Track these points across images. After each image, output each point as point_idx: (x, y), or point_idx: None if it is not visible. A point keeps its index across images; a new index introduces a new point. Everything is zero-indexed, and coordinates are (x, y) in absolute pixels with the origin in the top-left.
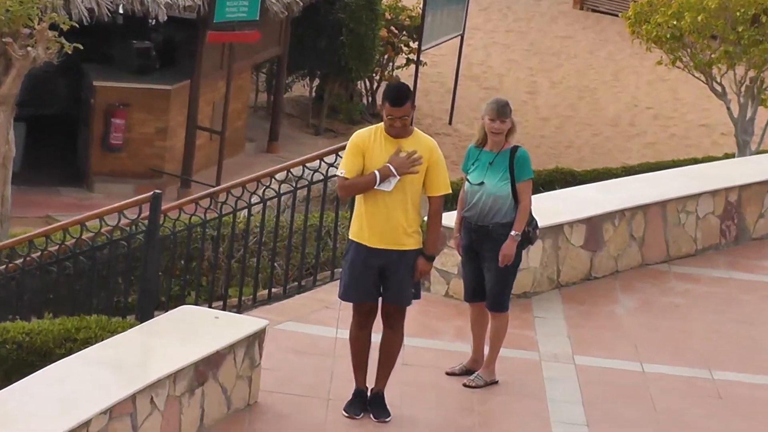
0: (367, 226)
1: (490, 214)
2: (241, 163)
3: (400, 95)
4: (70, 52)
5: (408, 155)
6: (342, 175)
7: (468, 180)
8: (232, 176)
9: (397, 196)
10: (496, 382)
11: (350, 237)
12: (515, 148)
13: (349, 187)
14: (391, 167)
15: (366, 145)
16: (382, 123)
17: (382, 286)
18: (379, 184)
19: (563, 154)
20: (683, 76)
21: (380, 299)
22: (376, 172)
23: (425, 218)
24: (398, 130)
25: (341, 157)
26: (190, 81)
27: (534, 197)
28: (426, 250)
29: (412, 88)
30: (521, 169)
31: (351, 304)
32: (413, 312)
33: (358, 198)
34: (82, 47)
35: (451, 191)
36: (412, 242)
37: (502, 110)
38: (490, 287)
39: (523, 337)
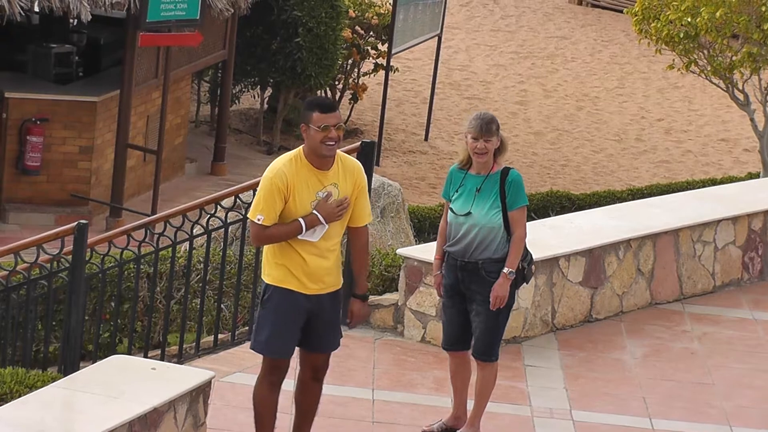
0: (297, 269)
1: (479, 249)
2: (180, 187)
3: (330, 101)
4: None
5: (338, 202)
6: (260, 222)
7: (452, 209)
8: (170, 203)
9: (329, 230)
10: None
11: (271, 283)
12: (506, 171)
13: (269, 238)
14: (320, 217)
15: (288, 182)
16: (299, 149)
17: (304, 336)
18: (310, 233)
19: (559, 174)
20: (699, 82)
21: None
22: (302, 222)
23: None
24: (334, 146)
25: None
26: (119, 92)
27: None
28: (360, 290)
29: (381, 97)
30: (515, 195)
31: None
32: (385, 362)
33: None
34: None
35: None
36: (340, 281)
37: (487, 127)
38: (478, 333)
39: (513, 389)
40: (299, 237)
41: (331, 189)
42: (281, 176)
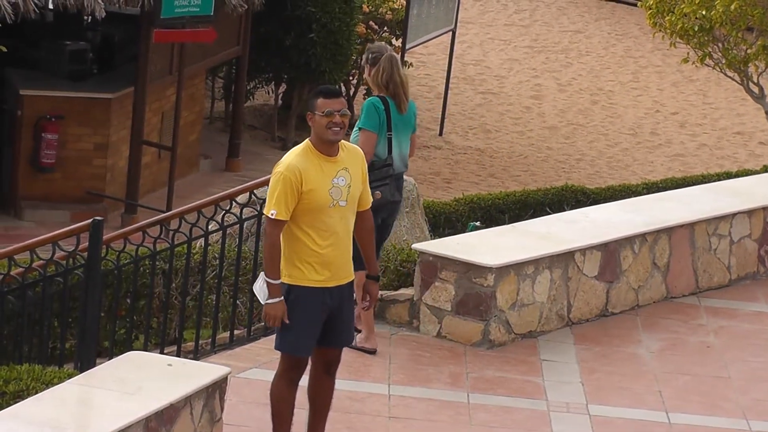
0: (319, 264)
1: None
2: (195, 183)
3: (334, 88)
4: None
5: (280, 321)
6: (273, 216)
7: None
8: (185, 199)
9: (344, 218)
10: (369, 350)
11: (293, 283)
12: None
13: (271, 238)
14: (267, 301)
15: (302, 175)
16: (306, 141)
17: (321, 332)
18: (260, 287)
19: (574, 168)
20: (714, 75)
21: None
22: (271, 279)
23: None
24: (339, 132)
25: None
26: (134, 88)
27: (540, 220)
28: (372, 271)
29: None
30: None
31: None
32: (401, 357)
33: (293, 233)
34: (5, 50)
35: None
36: (352, 270)
37: None
38: None
39: (529, 383)
40: (255, 287)
41: (344, 174)
42: (293, 169)
